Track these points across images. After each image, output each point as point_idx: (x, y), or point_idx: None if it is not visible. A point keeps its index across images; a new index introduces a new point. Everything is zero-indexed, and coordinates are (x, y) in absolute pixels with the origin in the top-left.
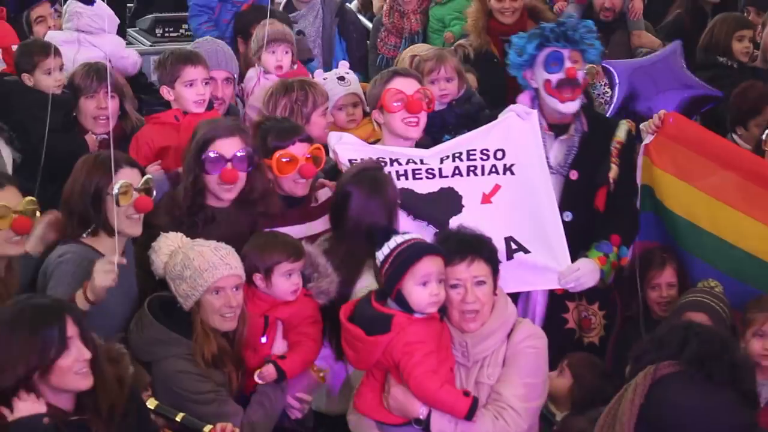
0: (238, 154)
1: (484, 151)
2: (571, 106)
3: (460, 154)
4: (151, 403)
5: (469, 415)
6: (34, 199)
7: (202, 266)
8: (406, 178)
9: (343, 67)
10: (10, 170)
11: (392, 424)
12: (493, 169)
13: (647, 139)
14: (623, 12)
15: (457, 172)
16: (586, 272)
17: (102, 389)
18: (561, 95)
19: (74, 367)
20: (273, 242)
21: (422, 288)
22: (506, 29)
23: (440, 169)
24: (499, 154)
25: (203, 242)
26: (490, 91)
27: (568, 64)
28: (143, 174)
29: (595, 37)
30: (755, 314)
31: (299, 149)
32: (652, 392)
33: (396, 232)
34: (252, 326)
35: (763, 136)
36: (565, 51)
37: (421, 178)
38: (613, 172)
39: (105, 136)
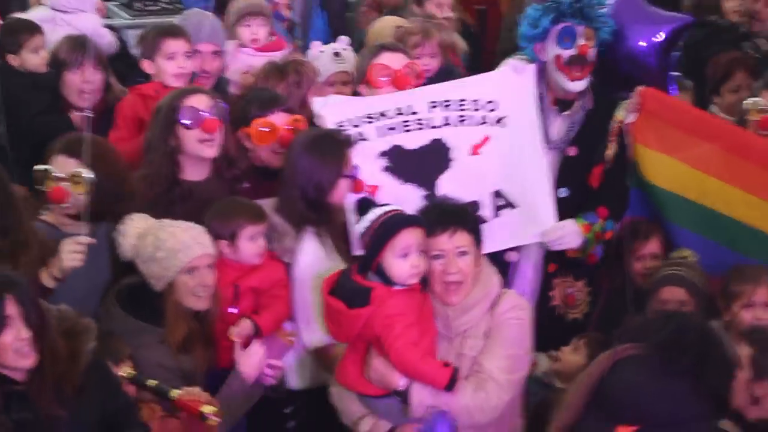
0: (212, 107)
1: (476, 102)
2: (579, 85)
3: (450, 102)
4: (124, 371)
5: (450, 386)
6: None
7: (175, 246)
8: (396, 132)
9: (342, 42)
10: None
11: (373, 396)
12: (484, 120)
13: (629, 118)
14: None
15: (446, 121)
16: (570, 232)
17: (49, 363)
18: (571, 72)
19: (13, 346)
20: (234, 207)
21: (402, 260)
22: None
23: (429, 119)
24: (490, 105)
25: (172, 222)
26: (466, 61)
27: (581, 41)
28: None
29: (608, 9)
30: (741, 286)
31: (279, 119)
32: (612, 370)
33: (375, 204)
34: (221, 296)
35: (746, 105)
36: (579, 27)
37: (410, 130)
38: (611, 150)
39: (90, 113)
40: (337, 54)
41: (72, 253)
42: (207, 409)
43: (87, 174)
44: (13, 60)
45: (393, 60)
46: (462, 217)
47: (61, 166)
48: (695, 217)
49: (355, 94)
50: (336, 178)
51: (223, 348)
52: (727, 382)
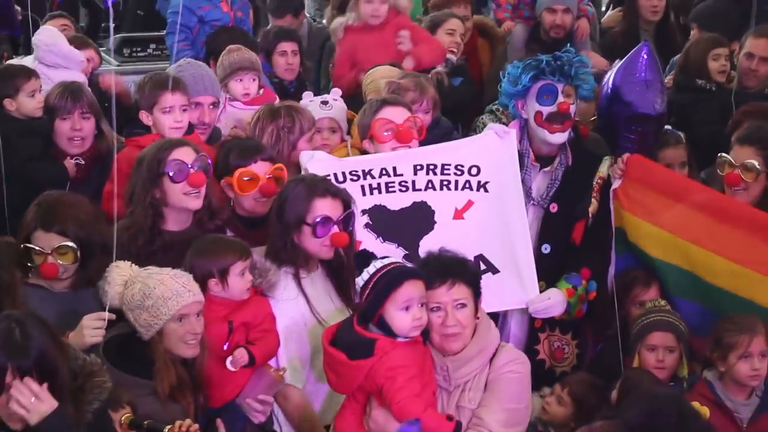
0: (197, 161)
1: (459, 166)
2: (560, 137)
3: (435, 167)
4: (123, 417)
5: None
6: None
7: (165, 294)
8: (379, 192)
9: (334, 93)
10: None
11: None
12: (467, 185)
13: (615, 183)
14: (571, 32)
15: (430, 185)
16: (555, 302)
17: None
18: (551, 127)
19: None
20: (222, 244)
21: (404, 312)
22: None
23: (413, 182)
24: (474, 170)
25: (159, 270)
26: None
27: (561, 98)
28: (197, 152)
29: (589, 72)
30: (737, 337)
31: (261, 168)
32: None
33: (375, 257)
34: (215, 333)
35: (720, 160)
36: (559, 85)
37: (394, 191)
38: (593, 207)
39: (81, 161)
40: (325, 102)
41: (95, 329)
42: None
43: (71, 244)
44: (9, 104)
45: (395, 114)
46: (461, 269)
47: (43, 240)
48: (682, 283)
49: (342, 142)
50: (299, 223)
51: (214, 387)
52: None
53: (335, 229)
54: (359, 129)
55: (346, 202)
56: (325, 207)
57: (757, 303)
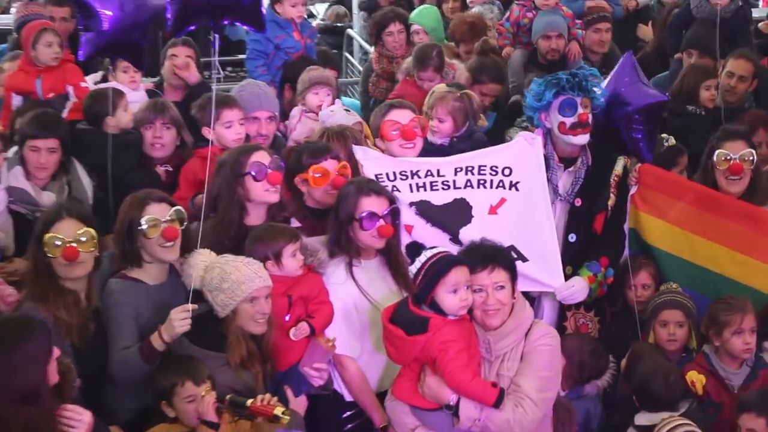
0: (273, 162)
1: (494, 168)
2: (584, 138)
3: (473, 168)
4: (205, 390)
5: (497, 404)
6: (90, 230)
7: (239, 279)
8: (425, 190)
9: (340, 102)
10: (90, 196)
11: (426, 409)
12: (501, 184)
13: (632, 189)
14: (564, 54)
15: (468, 184)
16: (579, 289)
17: None
18: (573, 133)
19: None
20: (274, 231)
21: (453, 295)
22: None
23: (454, 181)
24: (507, 171)
25: (234, 257)
26: None
27: (580, 109)
28: (173, 206)
29: (601, 85)
30: (730, 316)
31: (330, 165)
32: None
33: (424, 248)
34: (276, 307)
35: (715, 157)
36: (578, 98)
37: (437, 190)
38: (611, 200)
39: (170, 168)
40: (347, 110)
41: (182, 320)
42: (278, 410)
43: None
44: (110, 120)
45: (401, 116)
46: (499, 256)
47: (160, 211)
48: (687, 274)
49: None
50: (349, 219)
51: (278, 355)
52: None
53: (381, 222)
54: (372, 129)
55: (391, 199)
56: (370, 204)
57: (757, 290)
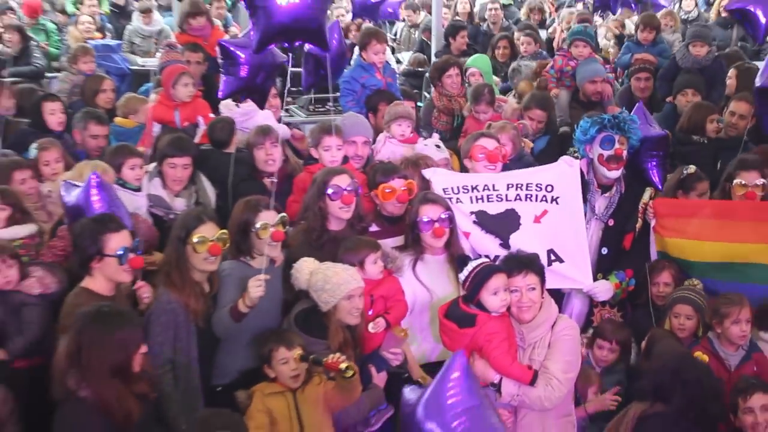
0: (350, 185)
1: (539, 185)
2: (615, 174)
3: (522, 184)
4: (295, 353)
5: (533, 382)
6: (225, 231)
7: (339, 281)
8: (482, 201)
9: (435, 138)
10: (212, 202)
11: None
12: (544, 198)
13: (652, 222)
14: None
15: (518, 197)
16: (604, 289)
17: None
18: (609, 166)
19: None
20: (359, 242)
21: (494, 296)
22: None
23: (506, 194)
24: (549, 188)
25: (334, 264)
26: None
27: (617, 145)
28: (279, 213)
29: (637, 127)
30: (730, 308)
31: (397, 183)
32: (638, 426)
33: (470, 259)
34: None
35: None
36: (616, 136)
37: (492, 201)
38: (639, 224)
39: (275, 179)
40: (438, 146)
41: (256, 287)
42: (343, 365)
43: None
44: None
45: (488, 143)
46: (532, 263)
47: (270, 217)
48: (713, 270)
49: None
50: (414, 224)
51: (365, 341)
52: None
53: (436, 225)
54: (462, 152)
55: (446, 207)
56: (428, 211)
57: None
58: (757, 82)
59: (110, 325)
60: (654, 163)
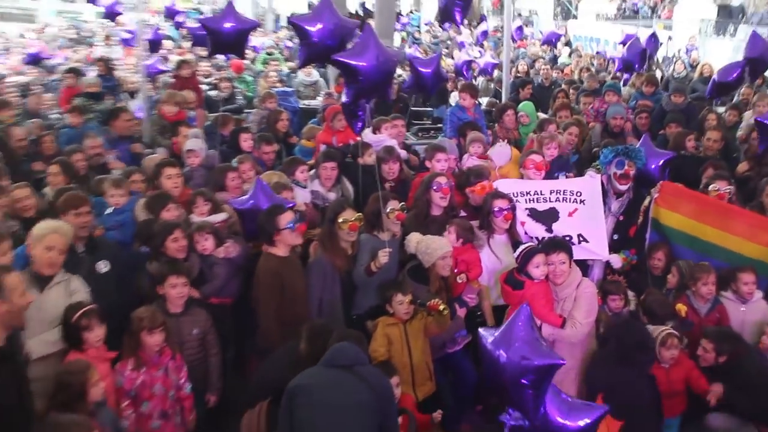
0: (446, 183)
1: (571, 191)
2: (624, 187)
3: (560, 190)
4: (407, 298)
5: (562, 326)
6: (361, 215)
7: (436, 247)
8: (533, 201)
9: (503, 143)
10: (351, 196)
11: None
12: (574, 200)
13: (655, 195)
14: (623, 127)
15: (557, 199)
16: (616, 260)
17: None
18: (620, 181)
19: None
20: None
21: (536, 269)
22: None
23: (549, 197)
24: (578, 193)
25: (432, 236)
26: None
27: (626, 167)
28: (400, 202)
29: (643, 155)
30: (701, 274)
31: (485, 183)
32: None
33: (521, 243)
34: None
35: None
36: (626, 161)
37: (539, 201)
38: (640, 219)
39: (393, 184)
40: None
41: (383, 256)
42: (441, 307)
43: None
44: (361, 160)
45: (536, 158)
46: (563, 245)
47: (394, 205)
48: (686, 241)
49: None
50: (488, 210)
51: (453, 288)
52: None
53: (505, 213)
54: (519, 163)
55: (510, 200)
56: (499, 203)
57: (740, 254)
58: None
59: None
60: (666, 171)
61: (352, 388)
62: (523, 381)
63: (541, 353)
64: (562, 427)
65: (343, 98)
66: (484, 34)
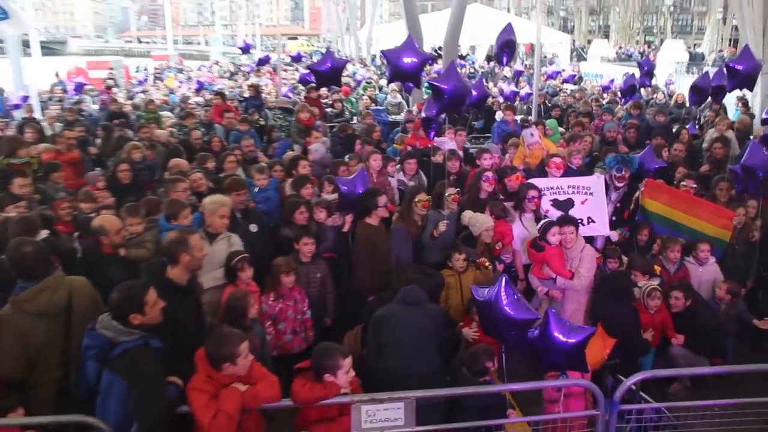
0: (491, 175)
1: (583, 186)
2: (621, 184)
3: (574, 185)
4: (462, 257)
5: (572, 278)
6: (430, 197)
7: (482, 222)
8: (556, 194)
9: (533, 128)
10: (425, 183)
11: (543, 279)
12: (585, 192)
13: (642, 188)
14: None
15: (572, 191)
16: (614, 234)
17: None
18: (618, 181)
19: None
20: (493, 206)
21: (553, 237)
22: None
23: (567, 190)
24: (588, 187)
25: (479, 214)
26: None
27: (623, 171)
28: (456, 187)
29: (635, 162)
30: (671, 244)
31: (518, 176)
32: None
33: (543, 218)
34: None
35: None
36: (623, 167)
37: (560, 194)
38: (632, 206)
39: (454, 176)
40: (532, 134)
41: (443, 227)
42: (487, 263)
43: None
44: (433, 158)
45: (557, 160)
46: (572, 220)
47: (452, 191)
48: (664, 222)
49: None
50: (523, 196)
51: (493, 251)
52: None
53: (535, 199)
54: (545, 161)
55: (539, 190)
56: (531, 192)
57: (702, 232)
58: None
59: None
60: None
61: (416, 318)
62: (512, 332)
63: (522, 310)
64: (563, 343)
65: (423, 113)
66: (519, 72)
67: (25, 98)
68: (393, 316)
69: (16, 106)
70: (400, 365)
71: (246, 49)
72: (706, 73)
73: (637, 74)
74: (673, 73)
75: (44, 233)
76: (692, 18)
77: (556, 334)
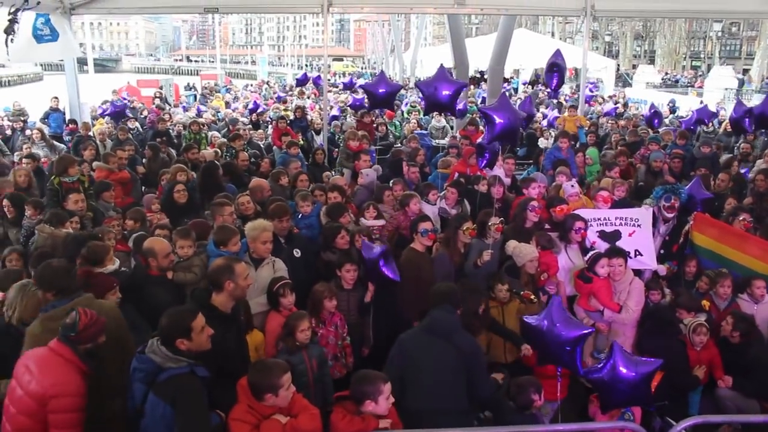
0: (537, 205)
1: (630, 218)
2: (670, 215)
3: (622, 217)
4: (506, 288)
5: (619, 311)
6: (475, 225)
7: (526, 252)
8: (603, 225)
9: (573, 181)
10: (469, 212)
11: (591, 311)
12: (633, 224)
13: (691, 222)
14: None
15: (620, 223)
16: (662, 269)
17: None
18: (667, 212)
19: None
20: (539, 236)
21: (602, 269)
22: None
23: (614, 222)
24: (636, 219)
25: (524, 244)
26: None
27: (672, 201)
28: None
29: (684, 192)
30: (721, 279)
31: (564, 207)
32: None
33: (592, 250)
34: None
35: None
36: (672, 196)
37: (607, 226)
38: (681, 240)
39: (499, 204)
40: (572, 185)
41: (487, 256)
42: (532, 296)
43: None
44: (477, 187)
45: (604, 193)
46: (621, 252)
47: (495, 221)
48: (714, 257)
49: None
50: (568, 228)
51: (538, 281)
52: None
53: (582, 231)
54: (591, 196)
55: (585, 222)
56: (578, 224)
57: (751, 269)
58: None
59: None
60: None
61: (439, 351)
62: (566, 348)
63: (573, 327)
64: (628, 376)
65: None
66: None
67: (117, 106)
68: (415, 345)
69: (107, 112)
70: (422, 399)
71: (303, 81)
72: (739, 101)
73: (683, 102)
74: (723, 100)
75: (116, 263)
76: (741, 43)
77: (621, 368)
